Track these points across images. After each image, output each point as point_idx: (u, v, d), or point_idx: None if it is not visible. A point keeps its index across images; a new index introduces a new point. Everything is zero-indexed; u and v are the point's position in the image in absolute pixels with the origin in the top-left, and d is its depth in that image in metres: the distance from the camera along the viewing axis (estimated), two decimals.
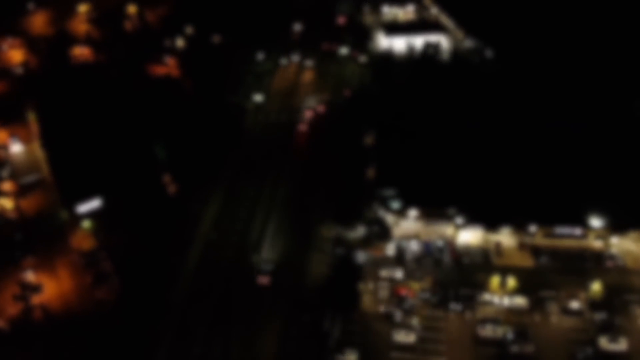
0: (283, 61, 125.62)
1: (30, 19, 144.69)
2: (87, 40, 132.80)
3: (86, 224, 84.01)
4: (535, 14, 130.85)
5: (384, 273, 79.47)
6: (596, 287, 75.45)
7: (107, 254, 79.94)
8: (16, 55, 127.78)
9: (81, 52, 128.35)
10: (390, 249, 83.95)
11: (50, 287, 75.61)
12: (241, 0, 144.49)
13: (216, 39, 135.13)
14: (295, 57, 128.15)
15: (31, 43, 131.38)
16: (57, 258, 79.98)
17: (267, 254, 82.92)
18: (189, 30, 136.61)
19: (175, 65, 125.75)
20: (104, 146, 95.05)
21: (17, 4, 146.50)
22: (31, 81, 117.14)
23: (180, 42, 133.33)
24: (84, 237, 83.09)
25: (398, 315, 73.28)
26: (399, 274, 79.14)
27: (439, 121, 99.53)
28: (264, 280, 77.89)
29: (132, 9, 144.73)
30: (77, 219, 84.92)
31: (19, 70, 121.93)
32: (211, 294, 77.22)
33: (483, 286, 77.40)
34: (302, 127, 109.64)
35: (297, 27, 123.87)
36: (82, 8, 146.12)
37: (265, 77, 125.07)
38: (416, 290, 77.58)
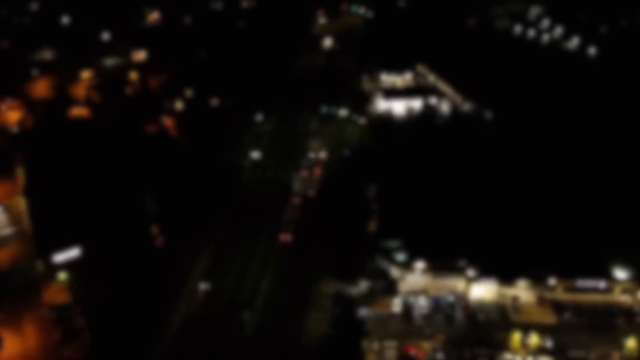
0: None
1: (33, 84, 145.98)
2: (87, 103, 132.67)
3: (62, 276, 76.81)
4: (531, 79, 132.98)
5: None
6: (631, 344, 66.82)
7: (81, 308, 71.98)
8: (13, 116, 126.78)
9: (79, 112, 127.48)
10: (396, 305, 75.97)
11: (12, 343, 66.93)
12: (243, 65, 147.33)
13: (215, 101, 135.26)
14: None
15: (30, 105, 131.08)
16: (25, 312, 71.82)
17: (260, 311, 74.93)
18: (189, 93, 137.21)
19: (172, 125, 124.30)
20: (90, 196, 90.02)
21: (22, 70, 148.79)
22: (24, 137, 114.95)
23: (179, 104, 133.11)
24: (58, 290, 75.46)
25: None
26: None
27: (442, 171, 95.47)
28: None
29: (133, 75, 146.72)
30: (53, 270, 77.79)
31: (14, 129, 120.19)
32: (196, 351, 68.37)
33: (502, 345, 68.73)
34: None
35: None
36: (85, 74, 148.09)
37: (263, 138, 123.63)
38: (427, 349, 68.88)
